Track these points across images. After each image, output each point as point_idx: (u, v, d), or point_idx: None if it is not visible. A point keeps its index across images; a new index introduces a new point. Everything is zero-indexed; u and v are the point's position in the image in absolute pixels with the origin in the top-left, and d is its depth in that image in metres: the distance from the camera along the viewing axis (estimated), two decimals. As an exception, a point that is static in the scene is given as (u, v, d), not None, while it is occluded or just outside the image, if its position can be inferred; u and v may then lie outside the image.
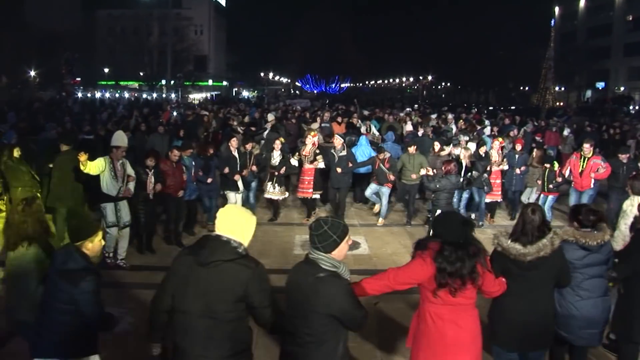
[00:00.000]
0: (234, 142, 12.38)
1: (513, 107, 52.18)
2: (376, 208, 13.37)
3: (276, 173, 12.59)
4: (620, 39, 66.62)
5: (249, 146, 12.60)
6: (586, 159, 12.33)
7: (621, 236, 7.84)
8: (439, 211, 9.98)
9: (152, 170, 10.04)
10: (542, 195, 12.81)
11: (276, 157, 12.70)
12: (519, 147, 13.55)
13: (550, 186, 12.44)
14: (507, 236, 5.15)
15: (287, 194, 13.18)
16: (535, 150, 13.75)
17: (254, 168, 12.47)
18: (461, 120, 20.46)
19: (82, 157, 8.87)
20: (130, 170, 9.68)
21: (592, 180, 12.28)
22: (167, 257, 10.22)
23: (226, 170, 11.91)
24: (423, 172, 11.14)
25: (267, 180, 12.71)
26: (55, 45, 58.77)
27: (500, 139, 13.61)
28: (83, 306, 4.48)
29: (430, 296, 4.48)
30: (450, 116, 21.26)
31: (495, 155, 12.92)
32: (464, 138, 14.30)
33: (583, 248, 5.41)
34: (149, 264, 9.94)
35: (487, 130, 17.92)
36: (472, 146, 13.60)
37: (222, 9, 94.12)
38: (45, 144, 13.19)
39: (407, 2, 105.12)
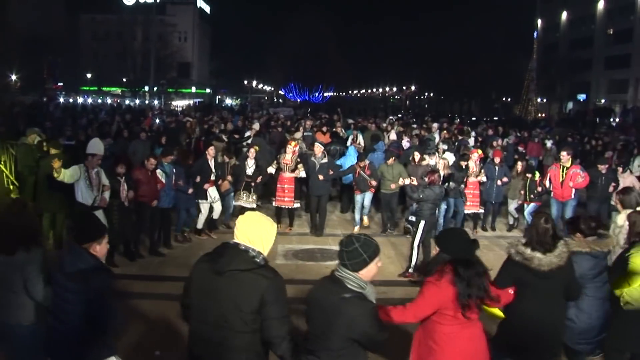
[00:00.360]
0: (211, 151, 12.16)
1: (496, 118, 52.40)
2: (365, 221, 13.28)
3: (252, 183, 12.52)
4: (601, 52, 67.26)
5: (226, 157, 12.60)
6: (565, 168, 12.31)
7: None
8: (422, 222, 9.92)
9: (124, 178, 9.80)
10: (524, 205, 12.93)
11: (250, 166, 12.61)
12: (497, 159, 13.45)
13: (532, 196, 12.58)
14: (523, 245, 5.10)
15: (255, 204, 12.83)
16: (519, 163, 13.74)
17: (229, 178, 12.43)
18: (444, 132, 20.41)
19: (56, 163, 8.63)
20: (104, 179, 9.40)
21: (572, 190, 12.28)
22: (147, 265, 10.15)
23: (198, 179, 11.66)
24: (405, 181, 11.08)
25: (242, 188, 12.53)
26: (37, 49, 58.23)
27: (479, 151, 13.65)
28: (96, 307, 4.35)
29: (444, 319, 4.41)
30: (435, 125, 21.18)
31: (472, 166, 12.93)
32: (442, 147, 14.34)
33: (593, 257, 5.49)
34: (130, 272, 9.74)
35: (472, 141, 17.93)
36: (450, 156, 13.59)
37: (206, 16, 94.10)
38: (25, 149, 12.99)
39: (392, 13, 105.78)
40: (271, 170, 12.81)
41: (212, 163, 12.01)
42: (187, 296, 4.08)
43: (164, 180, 10.68)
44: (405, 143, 16.69)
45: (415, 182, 10.92)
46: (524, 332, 5.08)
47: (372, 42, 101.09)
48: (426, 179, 10.43)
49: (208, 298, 3.84)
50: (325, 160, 12.59)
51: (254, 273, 3.79)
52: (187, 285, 4.09)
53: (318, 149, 12.75)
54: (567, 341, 5.57)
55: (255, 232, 3.89)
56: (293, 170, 12.59)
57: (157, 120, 25.61)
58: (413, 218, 12.53)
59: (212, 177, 11.89)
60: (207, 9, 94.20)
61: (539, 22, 79.46)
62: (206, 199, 11.84)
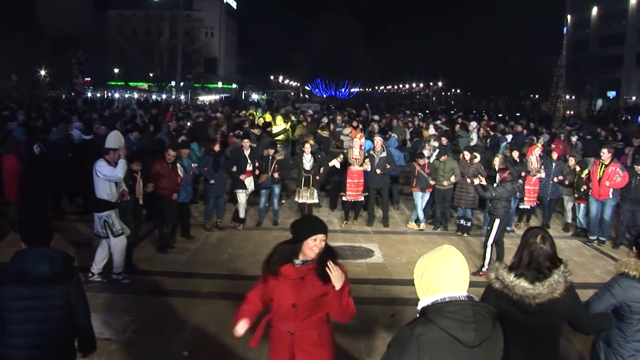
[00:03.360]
0: (246, 143, 12.41)
1: (518, 114, 51.52)
2: (415, 225, 13.08)
3: (317, 177, 12.59)
4: (632, 48, 66.04)
5: (271, 151, 12.54)
6: (604, 166, 11.93)
7: None
8: (497, 221, 9.71)
9: (139, 174, 9.54)
10: (576, 203, 12.65)
11: (308, 161, 12.53)
12: (555, 155, 13.29)
13: (576, 195, 12.27)
14: (507, 269, 3.98)
15: (317, 199, 12.91)
16: (571, 159, 13.39)
17: (276, 175, 12.37)
18: (482, 129, 20.00)
19: None
20: None
21: (610, 190, 11.87)
22: (174, 263, 10.00)
23: (234, 168, 12.04)
24: (475, 181, 10.79)
25: (302, 184, 12.48)
26: (66, 45, 58.87)
27: (539, 146, 13.42)
28: (76, 308, 4.18)
29: None
30: (473, 124, 20.67)
31: (534, 162, 12.77)
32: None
33: None
34: (157, 269, 9.62)
35: (509, 137, 17.52)
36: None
37: (233, 11, 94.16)
38: (56, 145, 13.05)
39: (418, 9, 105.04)
40: (336, 164, 12.81)
41: (247, 153, 12.20)
42: None
43: (182, 175, 10.74)
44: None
45: (484, 182, 10.59)
46: None
47: (399, 38, 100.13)
48: (497, 177, 10.25)
49: None
50: (384, 154, 12.76)
51: (495, 325, 3.06)
52: None
53: (378, 142, 12.95)
54: None
55: (467, 271, 3.12)
56: (361, 165, 12.66)
57: (189, 121, 24.68)
58: (461, 215, 12.72)
59: (249, 168, 12.14)
60: (233, 4, 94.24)
61: (569, 18, 77.97)
62: (244, 188, 12.14)
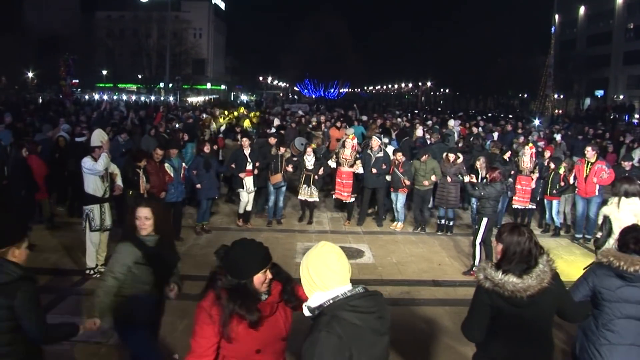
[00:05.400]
0: (245, 142, 12.53)
1: (510, 116, 51.84)
2: (394, 225, 13.10)
3: (316, 177, 12.76)
4: (619, 47, 66.39)
5: (281, 149, 12.71)
6: (590, 164, 12.13)
7: None
8: (485, 220, 9.68)
9: (142, 170, 9.95)
10: (546, 201, 12.63)
11: (310, 161, 12.76)
12: (547, 153, 13.34)
13: (554, 191, 12.28)
14: (494, 268, 4.00)
15: (317, 197, 13.15)
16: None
17: (289, 168, 12.61)
18: (461, 127, 20.13)
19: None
20: (113, 167, 9.51)
21: (597, 187, 12.06)
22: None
23: (233, 165, 12.21)
24: (465, 178, 10.79)
25: (302, 182, 12.78)
26: (53, 47, 58.64)
27: (530, 145, 13.38)
28: (24, 319, 3.83)
29: None
30: (452, 122, 20.74)
31: (527, 162, 12.71)
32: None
33: (618, 276, 4.43)
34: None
35: (495, 135, 17.53)
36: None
37: (221, 12, 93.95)
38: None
39: (407, 9, 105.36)
40: (332, 164, 13.03)
41: (247, 152, 12.29)
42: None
43: (172, 174, 10.84)
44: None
45: (474, 179, 10.60)
46: None
47: (387, 38, 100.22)
48: (487, 176, 10.28)
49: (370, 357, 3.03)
50: (381, 154, 12.78)
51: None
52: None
53: (375, 142, 12.97)
54: None
55: (347, 264, 3.12)
56: (352, 165, 12.75)
57: (177, 123, 24.44)
58: (442, 215, 12.68)
59: (249, 167, 12.24)
60: (222, 5, 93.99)
61: (557, 17, 78.53)
62: (242, 187, 12.29)
